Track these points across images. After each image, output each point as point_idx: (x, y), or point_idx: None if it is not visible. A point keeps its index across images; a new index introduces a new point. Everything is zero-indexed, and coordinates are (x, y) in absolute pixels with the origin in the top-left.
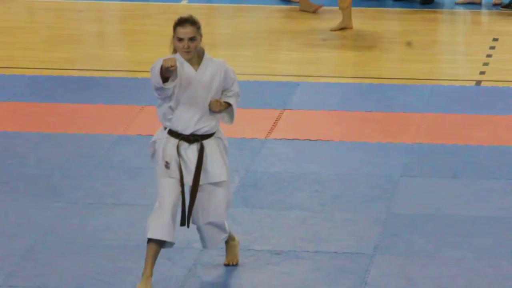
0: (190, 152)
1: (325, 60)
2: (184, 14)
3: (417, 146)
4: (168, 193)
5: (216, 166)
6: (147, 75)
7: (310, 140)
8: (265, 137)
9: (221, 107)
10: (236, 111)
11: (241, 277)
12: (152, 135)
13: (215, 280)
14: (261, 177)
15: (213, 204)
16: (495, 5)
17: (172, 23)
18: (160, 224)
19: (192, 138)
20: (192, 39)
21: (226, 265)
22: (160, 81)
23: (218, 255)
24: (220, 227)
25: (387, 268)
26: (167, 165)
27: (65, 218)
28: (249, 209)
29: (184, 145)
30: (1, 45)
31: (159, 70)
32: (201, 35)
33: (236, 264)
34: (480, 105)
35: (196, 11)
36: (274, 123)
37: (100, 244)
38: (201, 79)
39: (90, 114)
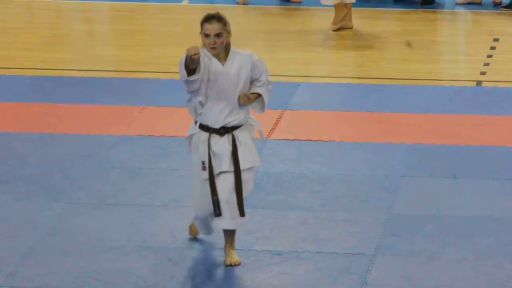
0: (221, 143)
1: (325, 61)
2: (212, 11)
3: (417, 147)
4: (199, 200)
5: (245, 154)
6: (148, 75)
7: (311, 140)
8: (266, 138)
9: (249, 101)
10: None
11: (242, 277)
12: (152, 136)
13: (215, 281)
14: (262, 178)
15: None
16: (495, 5)
17: (172, 23)
18: (199, 226)
19: (223, 131)
20: (218, 35)
21: (228, 265)
22: (185, 73)
23: (219, 255)
24: (231, 206)
25: (388, 268)
26: (203, 167)
27: (66, 218)
28: (250, 210)
29: (216, 137)
30: (1, 46)
31: (183, 62)
32: (228, 31)
33: (238, 264)
34: (480, 105)
35: (196, 11)
36: (275, 123)
37: (101, 244)
38: (228, 74)
39: (91, 115)
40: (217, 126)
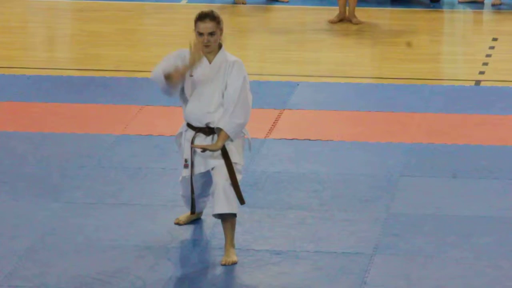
0: (206, 142)
1: (324, 60)
2: (205, 9)
3: (416, 146)
4: (186, 184)
5: (232, 150)
6: (146, 75)
7: (309, 140)
8: (265, 137)
9: (215, 146)
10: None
11: (241, 277)
12: (151, 135)
13: (214, 280)
14: (260, 177)
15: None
16: (493, 5)
17: (171, 23)
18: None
19: (208, 130)
20: (212, 33)
21: (223, 265)
22: (162, 79)
23: (218, 255)
24: (227, 191)
25: (386, 268)
26: (186, 165)
27: (64, 218)
28: (248, 209)
29: (201, 136)
30: (1, 45)
31: (162, 74)
32: (221, 30)
33: (234, 264)
34: (479, 105)
35: (195, 11)
36: (274, 123)
37: (100, 244)
38: (211, 73)
39: (90, 114)
40: (201, 124)
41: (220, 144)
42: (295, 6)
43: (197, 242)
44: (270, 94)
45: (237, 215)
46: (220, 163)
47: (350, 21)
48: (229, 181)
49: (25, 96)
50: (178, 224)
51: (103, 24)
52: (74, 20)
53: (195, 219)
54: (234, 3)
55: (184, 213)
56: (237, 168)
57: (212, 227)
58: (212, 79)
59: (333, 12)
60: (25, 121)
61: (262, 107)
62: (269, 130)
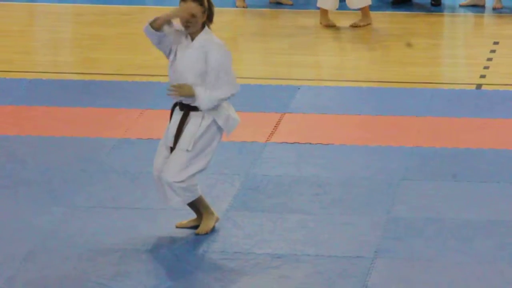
0: (177, 118)
1: (325, 64)
2: None
3: (417, 150)
4: (156, 158)
5: (184, 136)
6: (147, 78)
7: (310, 143)
8: (266, 141)
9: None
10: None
11: (242, 280)
12: (152, 139)
13: (214, 283)
14: (261, 181)
15: (168, 163)
16: (494, 9)
17: None
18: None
19: (181, 106)
20: (192, 15)
21: (197, 234)
22: (151, 29)
23: (219, 259)
24: (170, 186)
25: (387, 272)
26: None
27: (65, 222)
28: (249, 213)
29: (177, 111)
30: (1, 49)
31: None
32: (203, 12)
33: (206, 234)
34: (480, 108)
35: None
36: (275, 126)
37: (101, 248)
38: (189, 51)
39: (90, 118)
40: (175, 100)
41: (186, 91)
42: (296, 10)
43: (198, 246)
44: (271, 98)
45: (238, 218)
46: (175, 152)
47: (351, 25)
48: (174, 179)
49: (26, 100)
50: (179, 227)
51: (104, 28)
52: (75, 24)
53: (197, 224)
54: (235, 7)
55: (186, 217)
56: (180, 156)
57: (213, 231)
58: (191, 58)
59: (334, 15)
60: (26, 125)
61: (263, 111)
62: (270, 133)
